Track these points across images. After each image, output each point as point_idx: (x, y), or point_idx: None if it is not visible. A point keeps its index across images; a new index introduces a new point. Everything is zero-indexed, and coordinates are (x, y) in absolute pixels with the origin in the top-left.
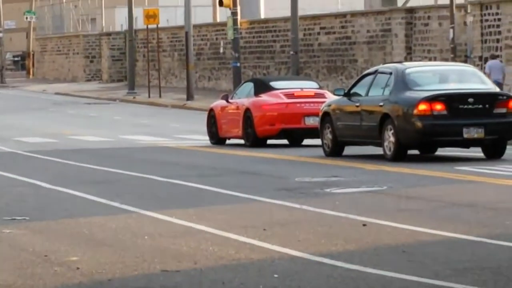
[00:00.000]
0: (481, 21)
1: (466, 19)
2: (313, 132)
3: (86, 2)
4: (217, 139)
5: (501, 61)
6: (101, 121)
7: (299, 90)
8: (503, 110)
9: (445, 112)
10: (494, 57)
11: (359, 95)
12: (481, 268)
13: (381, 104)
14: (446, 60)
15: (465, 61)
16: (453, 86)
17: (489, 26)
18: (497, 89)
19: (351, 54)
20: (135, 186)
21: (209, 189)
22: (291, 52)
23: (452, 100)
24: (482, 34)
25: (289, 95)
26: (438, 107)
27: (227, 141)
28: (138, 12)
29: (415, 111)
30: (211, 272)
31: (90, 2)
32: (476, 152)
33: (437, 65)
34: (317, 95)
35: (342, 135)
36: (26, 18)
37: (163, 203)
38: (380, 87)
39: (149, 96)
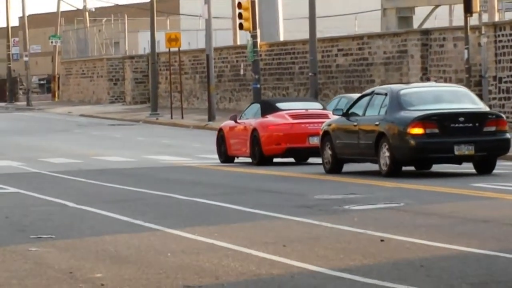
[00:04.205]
0: (495, 41)
1: (481, 40)
2: (317, 151)
3: (109, 26)
4: (225, 157)
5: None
6: (125, 142)
7: (303, 111)
8: (493, 129)
9: (437, 131)
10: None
11: (357, 114)
12: (497, 282)
13: (377, 123)
14: (461, 80)
15: (480, 81)
16: (445, 106)
17: (503, 47)
18: (487, 109)
19: (368, 75)
20: (158, 204)
21: (230, 207)
22: (310, 74)
23: (444, 119)
24: (496, 55)
25: (294, 116)
26: (430, 126)
27: (236, 160)
28: (160, 36)
29: (408, 130)
30: (232, 287)
31: (114, 26)
32: (468, 168)
33: (430, 86)
34: (321, 116)
35: (341, 152)
36: (52, 42)
37: (185, 221)
38: (376, 107)
39: (171, 117)
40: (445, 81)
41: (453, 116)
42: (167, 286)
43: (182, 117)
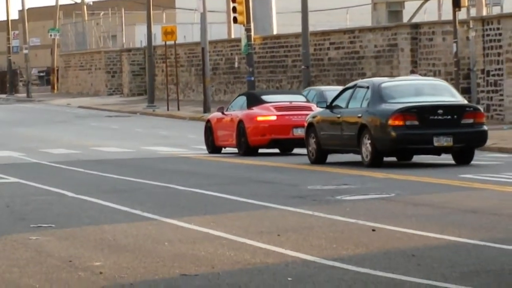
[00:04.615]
0: (483, 35)
1: (469, 34)
2: (301, 142)
3: (107, 20)
4: (213, 148)
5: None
6: (123, 133)
7: (288, 103)
8: (470, 121)
9: (416, 123)
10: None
11: (340, 107)
12: (486, 271)
13: (360, 115)
14: (450, 73)
15: (468, 74)
16: (424, 99)
17: (490, 41)
18: (465, 102)
19: (359, 68)
20: (156, 194)
21: (226, 197)
22: (303, 67)
23: (423, 111)
24: (484, 48)
25: (279, 108)
26: (410, 118)
27: (223, 150)
28: (156, 29)
29: (389, 122)
30: (228, 276)
31: (111, 20)
32: (448, 159)
33: (411, 79)
34: (305, 108)
35: (325, 143)
36: (50, 35)
37: (182, 210)
38: (359, 100)
39: (168, 109)
40: (434, 74)
41: (432, 109)
42: (164, 275)
43: (179, 109)
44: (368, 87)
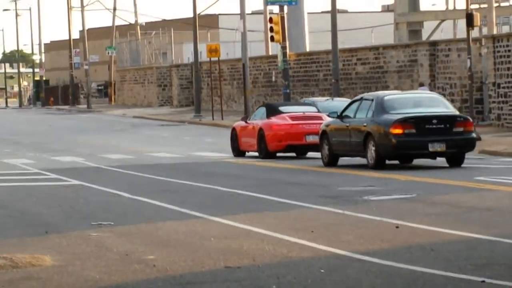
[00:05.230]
0: (494, 52)
1: (481, 50)
2: (313, 148)
3: (158, 39)
4: (237, 152)
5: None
6: (173, 140)
7: (301, 113)
8: (461, 129)
9: (414, 131)
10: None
11: (349, 117)
12: (498, 264)
13: (365, 124)
14: (464, 86)
15: (481, 87)
16: (421, 110)
17: (501, 56)
18: (457, 112)
19: (383, 81)
20: (203, 195)
21: (265, 197)
22: (333, 80)
23: (420, 121)
24: (495, 63)
25: (294, 118)
26: (409, 127)
27: (246, 154)
28: (202, 47)
29: (390, 130)
30: (267, 268)
31: (162, 38)
32: (443, 162)
33: (410, 93)
34: (316, 118)
35: (336, 149)
36: (108, 52)
37: (226, 209)
38: (365, 111)
39: (213, 119)
40: (450, 87)
41: (427, 119)
42: (210, 267)
43: (222, 118)
44: (372, 100)
